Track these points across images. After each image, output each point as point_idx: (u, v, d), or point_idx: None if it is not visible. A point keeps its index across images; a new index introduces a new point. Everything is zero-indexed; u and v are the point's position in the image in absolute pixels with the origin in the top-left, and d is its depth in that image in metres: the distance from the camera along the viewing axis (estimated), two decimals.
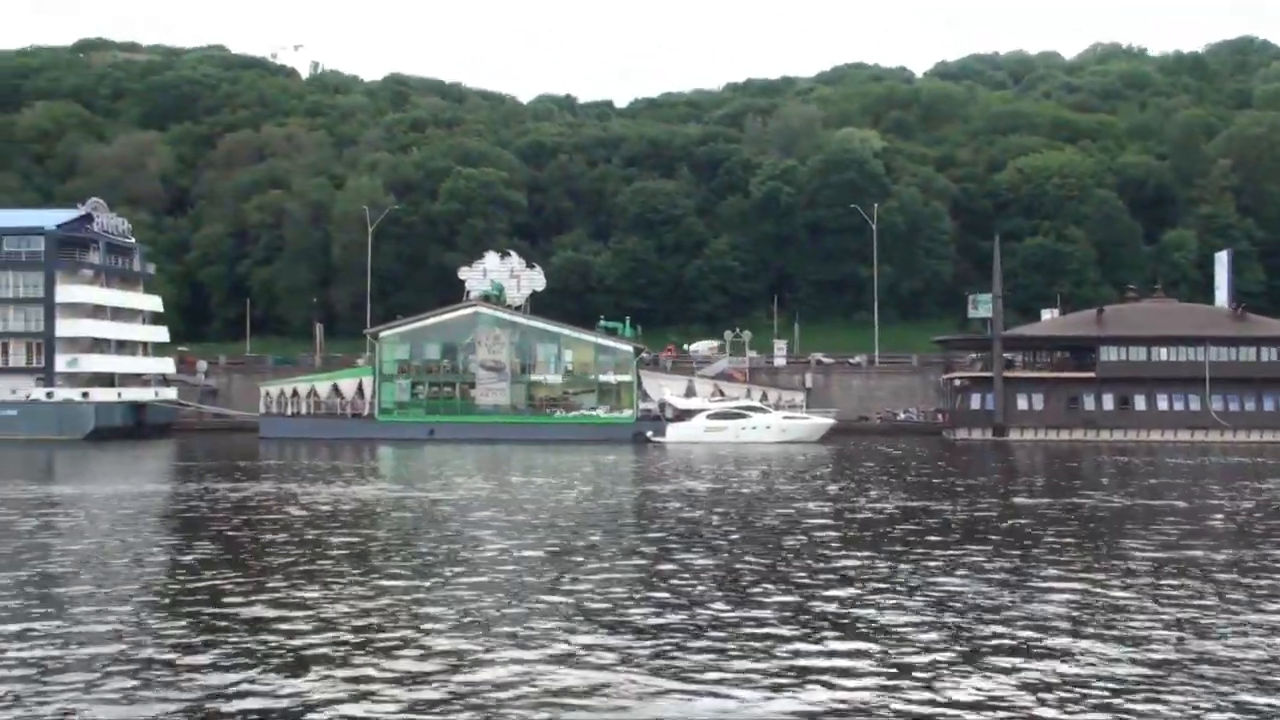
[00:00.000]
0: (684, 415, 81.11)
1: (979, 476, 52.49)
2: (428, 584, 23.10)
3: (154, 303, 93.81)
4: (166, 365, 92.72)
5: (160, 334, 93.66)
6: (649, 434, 79.68)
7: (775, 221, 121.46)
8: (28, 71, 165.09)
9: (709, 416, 79.75)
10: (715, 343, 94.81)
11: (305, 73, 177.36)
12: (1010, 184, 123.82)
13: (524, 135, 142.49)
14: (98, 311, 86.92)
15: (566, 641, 18.01)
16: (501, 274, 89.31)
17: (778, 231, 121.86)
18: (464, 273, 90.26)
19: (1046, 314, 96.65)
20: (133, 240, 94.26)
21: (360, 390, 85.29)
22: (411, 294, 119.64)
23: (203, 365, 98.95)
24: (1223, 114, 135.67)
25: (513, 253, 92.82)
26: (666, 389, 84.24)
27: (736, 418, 79.17)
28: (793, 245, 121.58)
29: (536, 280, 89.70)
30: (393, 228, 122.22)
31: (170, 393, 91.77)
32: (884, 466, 57.16)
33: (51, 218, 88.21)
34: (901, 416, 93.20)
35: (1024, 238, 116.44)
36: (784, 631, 18.83)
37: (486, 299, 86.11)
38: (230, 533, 31.55)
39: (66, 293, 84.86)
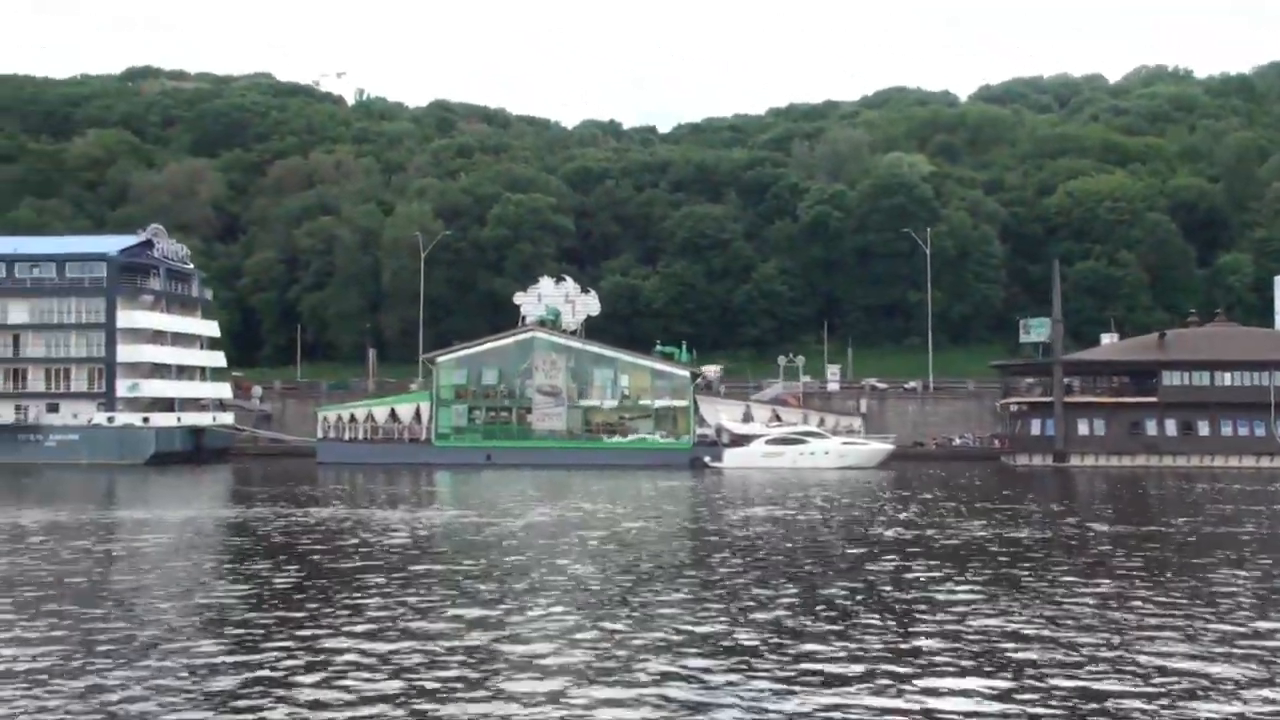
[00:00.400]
0: (741, 440, 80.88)
1: (1050, 502, 51.96)
2: (524, 611, 23.06)
3: (211, 328, 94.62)
4: (223, 390, 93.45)
5: (218, 359, 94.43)
6: (706, 459, 79.48)
7: (824, 246, 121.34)
8: (79, 100, 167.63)
9: (767, 442, 79.48)
10: (780, 382, 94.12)
11: (351, 99, 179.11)
12: (1060, 208, 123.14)
13: (570, 161, 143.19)
14: (157, 337, 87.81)
15: (680, 670, 17.91)
16: (556, 299, 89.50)
17: (826, 256, 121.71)
18: (519, 298, 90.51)
19: (1106, 338, 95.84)
20: (191, 266, 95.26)
21: (417, 415, 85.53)
22: (461, 319, 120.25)
23: (258, 390, 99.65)
24: (1273, 136, 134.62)
25: (567, 278, 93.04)
26: (723, 414, 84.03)
27: (794, 443, 78.84)
28: (841, 270, 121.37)
29: (591, 305, 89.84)
30: (442, 253, 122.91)
31: (227, 418, 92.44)
32: (950, 492, 56.70)
33: (113, 244, 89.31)
34: (957, 442, 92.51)
35: (1075, 262, 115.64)
36: (901, 668, 18.65)
37: (542, 324, 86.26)
38: (316, 558, 31.63)
39: (128, 318, 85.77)
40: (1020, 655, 19.08)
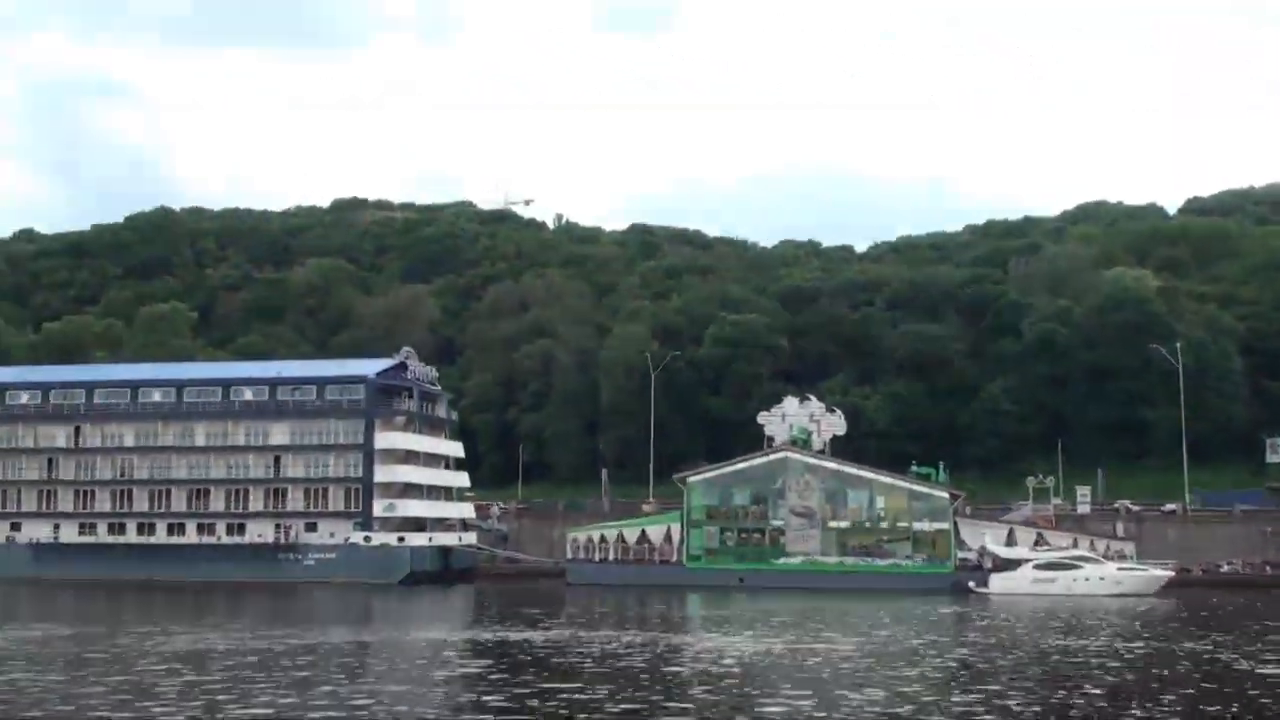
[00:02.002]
0: (1007, 565, 77.76)
1: None
2: None
3: (456, 449, 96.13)
4: (467, 510, 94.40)
5: (462, 479, 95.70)
6: (971, 584, 76.51)
7: (1050, 363, 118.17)
8: (296, 230, 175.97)
9: (1036, 566, 76.27)
10: (1029, 504, 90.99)
11: (550, 224, 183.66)
12: None
13: (776, 281, 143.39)
14: (410, 457, 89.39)
15: None
16: (800, 418, 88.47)
17: (1052, 373, 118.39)
18: (762, 417, 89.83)
19: None
20: (439, 388, 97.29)
21: (668, 537, 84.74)
22: (680, 439, 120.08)
23: (496, 510, 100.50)
24: None
25: (811, 397, 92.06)
26: (987, 536, 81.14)
27: (1067, 568, 75.48)
28: (1070, 388, 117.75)
29: (837, 425, 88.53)
30: (659, 374, 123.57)
31: (470, 538, 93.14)
32: (1267, 625, 52.79)
33: (370, 367, 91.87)
34: (1225, 569, 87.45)
35: None
36: None
37: (794, 443, 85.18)
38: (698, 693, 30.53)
39: (384, 439, 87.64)
40: None
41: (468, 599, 73.36)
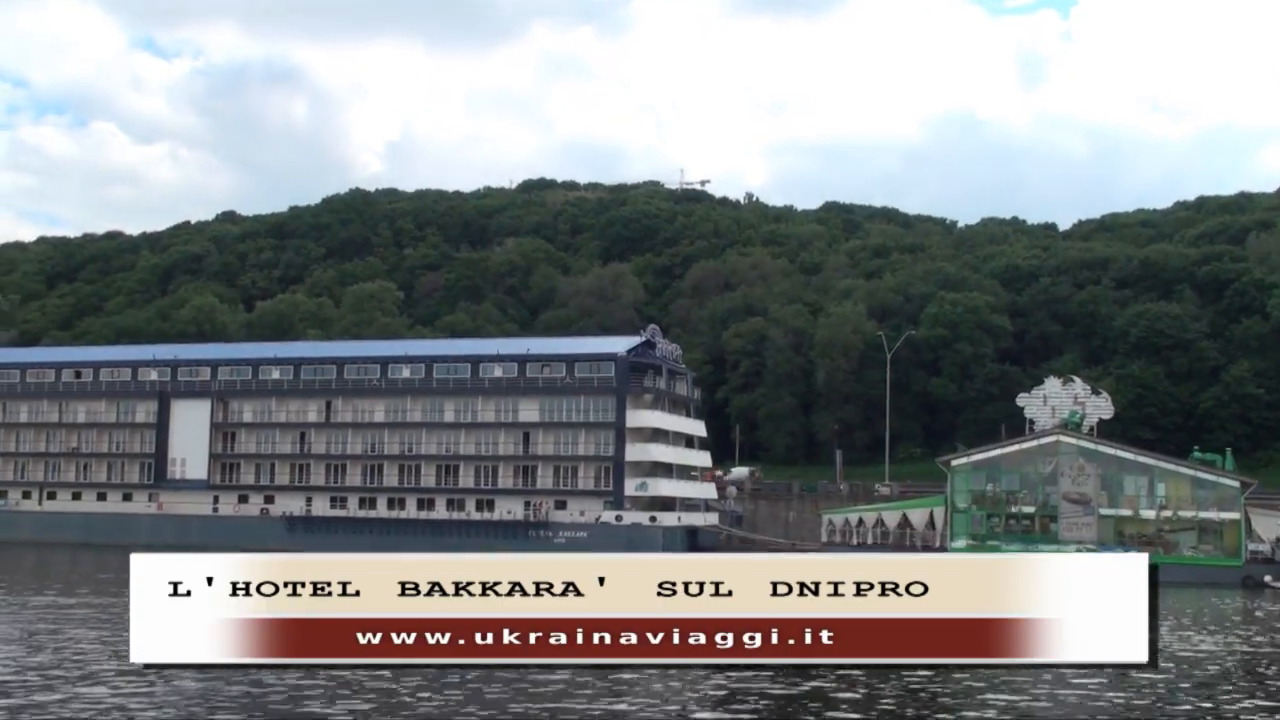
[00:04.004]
0: None
1: None
2: None
3: (699, 428, 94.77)
4: (710, 490, 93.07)
5: (704, 459, 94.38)
6: (1267, 578, 72.34)
7: None
8: (489, 212, 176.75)
9: None
10: None
11: (741, 202, 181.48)
12: None
13: (989, 259, 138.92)
14: (658, 435, 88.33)
15: None
16: (1063, 400, 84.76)
17: None
18: (1022, 399, 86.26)
19: None
20: (684, 367, 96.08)
21: (930, 521, 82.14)
22: (895, 420, 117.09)
23: (731, 490, 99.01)
24: None
25: (1075, 379, 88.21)
26: None
27: None
28: None
29: (1104, 408, 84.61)
30: (875, 354, 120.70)
31: (712, 518, 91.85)
32: None
33: (620, 344, 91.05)
34: None
35: None
36: None
37: (1066, 427, 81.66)
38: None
39: (635, 417, 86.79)
40: None
41: None
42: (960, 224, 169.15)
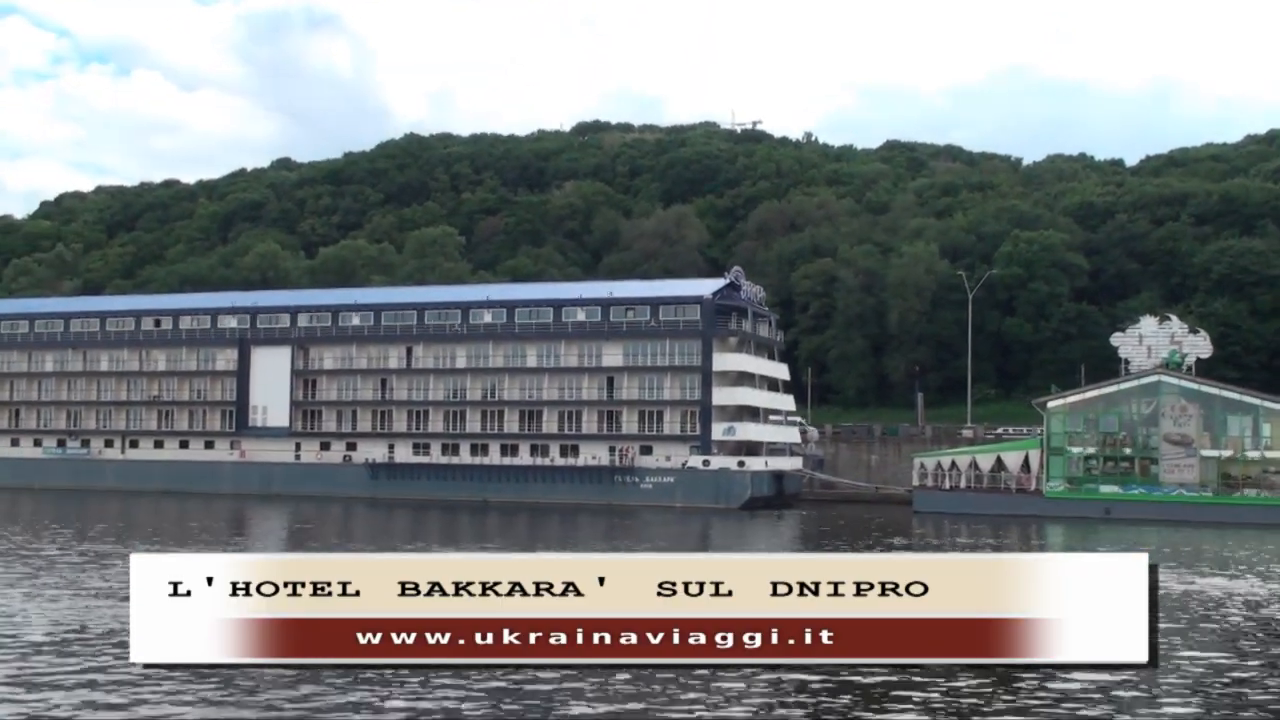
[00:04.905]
0: None
1: None
2: None
3: (782, 371, 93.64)
4: (793, 435, 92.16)
5: (789, 403, 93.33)
6: None
7: None
8: (547, 154, 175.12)
9: None
10: None
11: (801, 142, 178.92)
12: None
13: (1063, 196, 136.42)
14: (743, 379, 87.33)
15: None
16: (1159, 339, 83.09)
17: None
18: (1117, 339, 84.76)
19: None
20: (768, 310, 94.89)
21: (1025, 464, 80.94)
22: (972, 361, 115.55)
23: (813, 434, 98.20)
24: None
25: (1172, 317, 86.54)
26: None
27: None
28: None
29: (1201, 347, 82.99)
30: (948, 294, 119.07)
31: (796, 462, 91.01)
32: None
33: (705, 286, 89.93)
34: None
35: None
36: None
37: (1167, 366, 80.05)
38: None
39: (721, 361, 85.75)
40: None
41: (809, 525, 71.10)
42: (1026, 161, 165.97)
